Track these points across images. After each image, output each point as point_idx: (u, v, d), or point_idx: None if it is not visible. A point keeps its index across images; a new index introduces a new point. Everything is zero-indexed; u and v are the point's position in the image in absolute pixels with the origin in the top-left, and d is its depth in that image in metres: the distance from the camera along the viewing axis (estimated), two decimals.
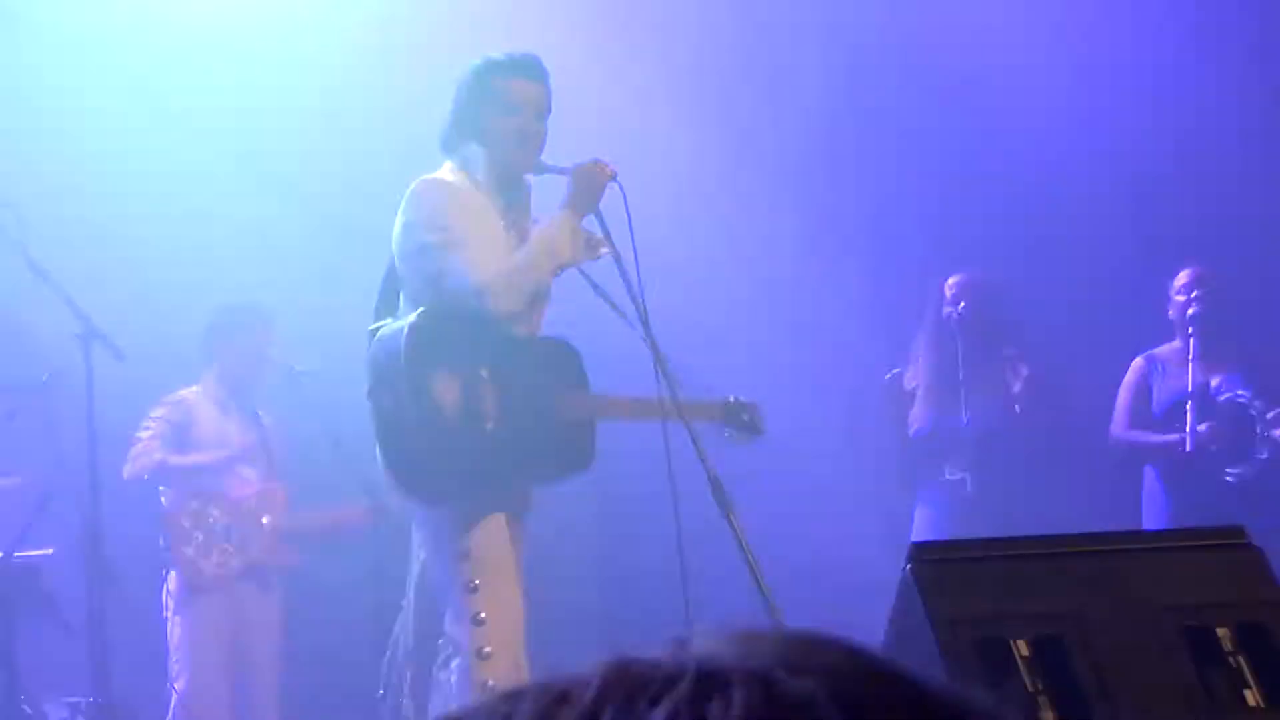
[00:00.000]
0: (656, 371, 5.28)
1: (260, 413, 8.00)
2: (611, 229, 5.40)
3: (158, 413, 7.78)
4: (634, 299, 5.30)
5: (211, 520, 7.72)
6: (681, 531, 5.21)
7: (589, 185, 5.37)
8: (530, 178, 5.56)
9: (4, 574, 6.78)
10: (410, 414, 5.19)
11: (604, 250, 5.37)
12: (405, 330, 5.22)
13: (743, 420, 5.74)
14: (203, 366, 7.93)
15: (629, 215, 5.29)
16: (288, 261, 9.46)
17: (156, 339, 7.90)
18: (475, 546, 5.31)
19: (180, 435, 7.79)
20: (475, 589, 5.29)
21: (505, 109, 5.43)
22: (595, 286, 5.44)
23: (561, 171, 5.45)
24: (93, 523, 6.61)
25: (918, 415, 7.98)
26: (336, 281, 8.86)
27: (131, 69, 9.52)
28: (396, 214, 5.45)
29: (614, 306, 5.40)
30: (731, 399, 5.77)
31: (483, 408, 5.28)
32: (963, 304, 7.91)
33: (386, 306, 5.50)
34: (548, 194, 5.61)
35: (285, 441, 8.06)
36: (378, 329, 5.41)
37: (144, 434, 7.70)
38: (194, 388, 7.90)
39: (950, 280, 8.01)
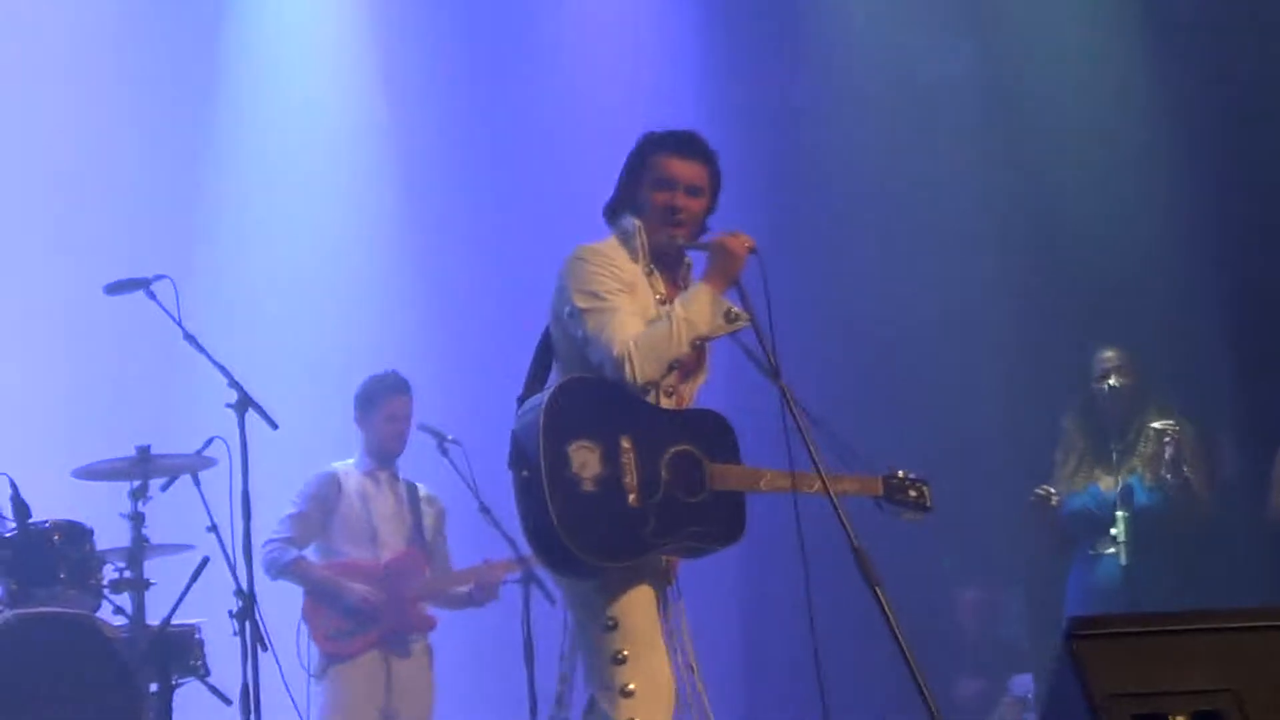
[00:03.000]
0: (806, 443, 5.20)
1: (418, 485, 8.09)
2: (756, 301, 5.32)
3: (303, 489, 7.88)
4: (771, 371, 5.23)
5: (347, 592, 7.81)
6: (813, 605, 5.12)
7: (728, 258, 5.33)
8: (689, 254, 5.54)
9: (161, 642, 6.86)
10: (548, 486, 5.16)
11: (743, 322, 5.31)
12: (544, 402, 5.22)
13: (909, 497, 5.59)
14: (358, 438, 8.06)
15: (767, 288, 5.24)
16: (441, 333, 9.58)
17: (310, 409, 8.01)
18: (623, 617, 5.25)
19: (325, 510, 7.88)
20: (623, 660, 5.22)
21: (656, 183, 5.43)
22: (750, 356, 5.36)
23: (705, 248, 5.43)
24: (247, 591, 6.68)
25: (1071, 489, 7.95)
26: (488, 351, 8.96)
27: (285, 145, 9.69)
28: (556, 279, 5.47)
29: (781, 387, 5.33)
30: (895, 474, 5.69)
31: (624, 480, 5.23)
32: (1116, 377, 7.90)
33: (538, 375, 5.50)
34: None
35: (441, 513, 8.14)
36: (524, 399, 5.41)
37: (278, 531, 7.79)
38: (349, 460, 8.02)
39: (1104, 354, 8.01)
